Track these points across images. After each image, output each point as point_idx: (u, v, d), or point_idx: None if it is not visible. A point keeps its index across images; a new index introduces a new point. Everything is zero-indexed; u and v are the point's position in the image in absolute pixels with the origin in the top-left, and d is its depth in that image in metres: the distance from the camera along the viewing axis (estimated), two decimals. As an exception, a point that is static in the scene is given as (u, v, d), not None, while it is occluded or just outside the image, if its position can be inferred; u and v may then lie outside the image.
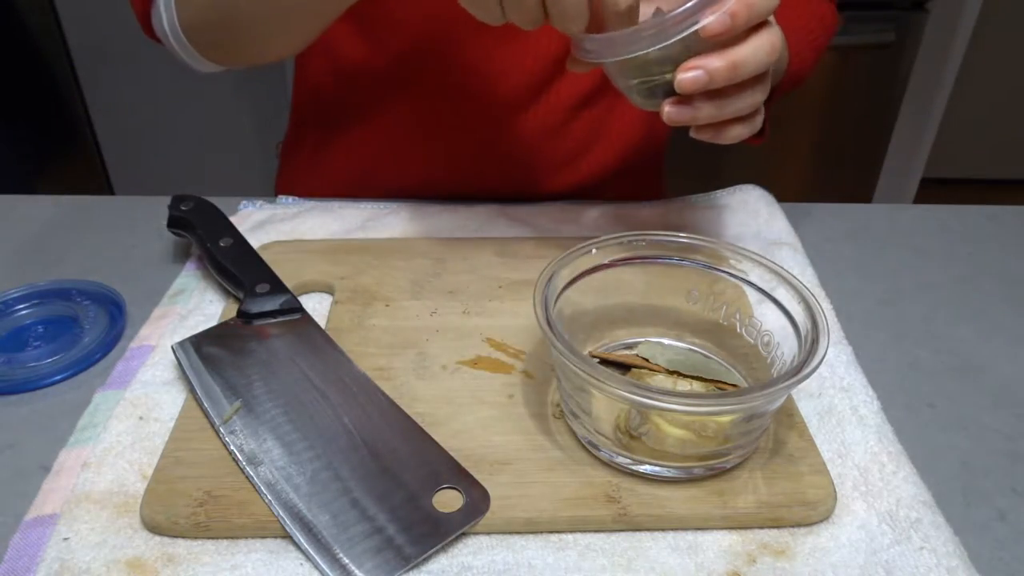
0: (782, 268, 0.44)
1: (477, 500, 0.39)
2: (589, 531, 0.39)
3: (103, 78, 1.69)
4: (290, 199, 0.68)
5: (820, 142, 1.68)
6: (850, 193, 1.73)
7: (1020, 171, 2.31)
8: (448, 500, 0.39)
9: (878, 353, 0.52)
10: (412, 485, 0.40)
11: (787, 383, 0.37)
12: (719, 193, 0.68)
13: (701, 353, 0.48)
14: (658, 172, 0.81)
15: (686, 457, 0.40)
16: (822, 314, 0.41)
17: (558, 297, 0.44)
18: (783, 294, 0.44)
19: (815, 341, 0.40)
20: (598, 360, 0.46)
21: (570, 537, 0.39)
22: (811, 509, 0.39)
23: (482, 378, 0.47)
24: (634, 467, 0.41)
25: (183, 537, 0.38)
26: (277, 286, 0.52)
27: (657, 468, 0.40)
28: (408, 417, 0.44)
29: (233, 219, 0.59)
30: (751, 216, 0.65)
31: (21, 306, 0.55)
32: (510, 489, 0.40)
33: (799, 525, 0.39)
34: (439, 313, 0.53)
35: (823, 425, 0.45)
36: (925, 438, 0.46)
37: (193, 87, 1.66)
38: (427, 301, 0.54)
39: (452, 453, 0.42)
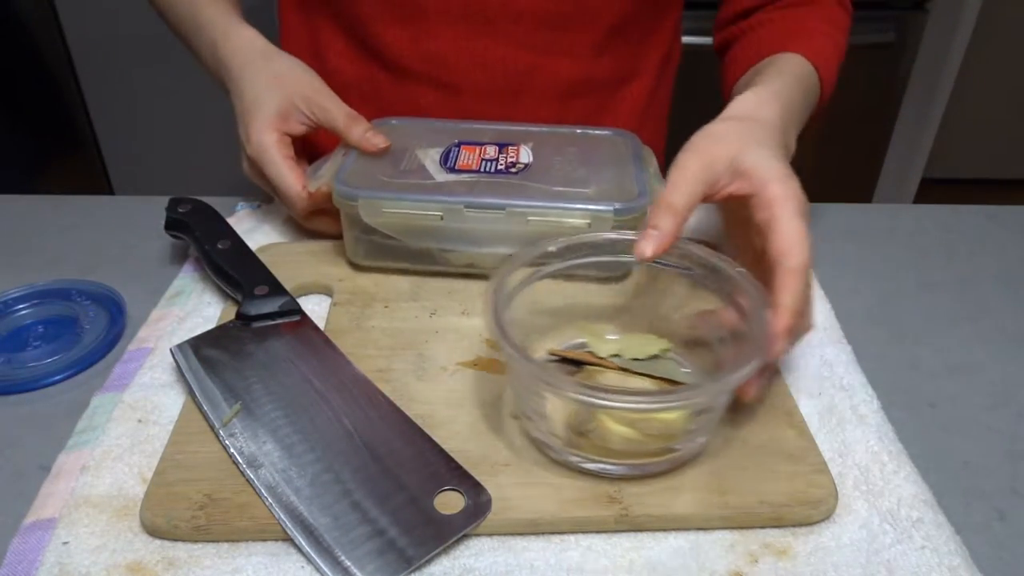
0: (734, 264, 0.44)
1: (479, 502, 0.39)
2: (591, 532, 0.39)
3: (103, 78, 1.69)
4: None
5: (820, 142, 1.67)
6: (850, 193, 1.73)
7: (1020, 171, 2.30)
8: (450, 502, 0.39)
9: (878, 353, 0.52)
10: (413, 487, 0.40)
11: (724, 382, 0.37)
12: (719, 193, 0.68)
13: (672, 357, 0.48)
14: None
15: (633, 454, 0.40)
16: (770, 310, 0.41)
17: (516, 296, 0.44)
18: (738, 291, 0.44)
19: (761, 339, 0.40)
20: (557, 357, 0.47)
21: (572, 538, 0.39)
22: (813, 508, 0.39)
23: (482, 379, 0.47)
24: (584, 465, 0.41)
25: (183, 540, 0.38)
26: (276, 288, 0.52)
27: (606, 466, 0.40)
28: (408, 419, 0.44)
29: (230, 220, 0.59)
30: (751, 216, 0.65)
31: (21, 306, 0.55)
32: (511, 490, 0.40)
33: (801, 524, 0.39)
34: (438, 314, 0.53)
35: (823, 425, 0.45)
36: (925, 438, 0.46)
37: (193, 87, 1.65)
38: (426, 302, 0.54)
39: (453, 454, 0.41)
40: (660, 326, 0.48)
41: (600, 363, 0.46)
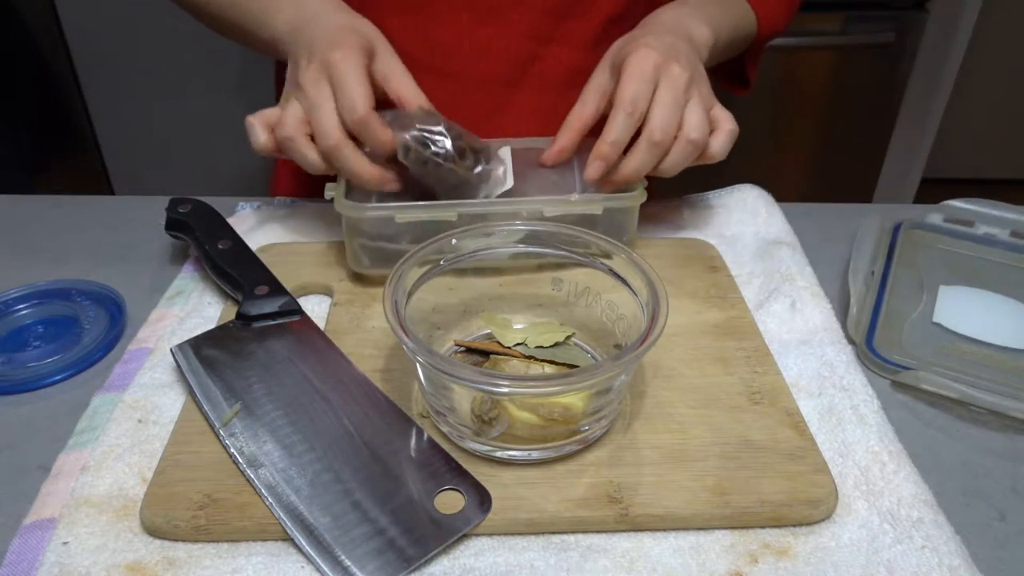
0: (626, 249, 0.45)
1: (479, 501, 0.39)
2: (591, 532, 0.39)
3: (103, 78, 1.69)
4: (287, 200, 0.68)
5: (820, 142, 1.67)
6: (850, 193, 1.73)
7: (1020, 171, 2.30)
8: (450, 501, 0.39)
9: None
10: (413, 487, 0.40)
11: (617, 363, 0.38)
12: (717, 192, 0.68)
13: (577, 343, 0.49)
14: None
15: (539, 439, 0.41)
16: (666, 298, 0.42)
17: (416, 289, 0.45)
18: (633, 278, 0.45)
19: (649, 330, 0.40)
20: (463, 348, 0.48)
21: (572, 538, 0.39)
22: (813, 508, 0.39)
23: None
24: (493, 453, 0.41)
25: (183, 540, 0.38)
26: (276, 288, 0.52)
27: (515, 453, 0.41)
28: (409, 418, 0.44)
29: (230, 220, 0.59)
30: (749, 216, 0.65)
31: (21, 306, 0.55)
32: (512, 490, 0.40)
33: (801, 524, 0.40)
34: (438, 312, 0.53)
35: (824, 424, 0.45)
36: (925, 438, 0.46)
37: (193, 88, 1.65)
38: (427, 302, 0.54)
39: (453, 454, 0.42)
40: (565, 314, 0.50)
41: (505, 352, 0.46)
